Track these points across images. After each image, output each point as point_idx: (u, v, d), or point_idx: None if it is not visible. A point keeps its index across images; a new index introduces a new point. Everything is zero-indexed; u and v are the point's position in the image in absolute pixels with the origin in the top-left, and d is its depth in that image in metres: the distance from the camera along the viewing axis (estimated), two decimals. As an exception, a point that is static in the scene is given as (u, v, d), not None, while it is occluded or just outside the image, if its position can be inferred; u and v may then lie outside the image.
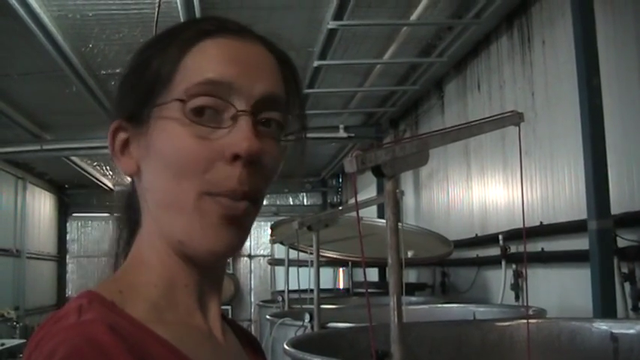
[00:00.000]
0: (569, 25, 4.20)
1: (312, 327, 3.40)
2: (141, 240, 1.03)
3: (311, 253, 4.12)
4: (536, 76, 5.23)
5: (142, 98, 0.98)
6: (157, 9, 4.97)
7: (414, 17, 5.66)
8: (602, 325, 2.97)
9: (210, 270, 1.03)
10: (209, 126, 0.93)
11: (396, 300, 1.52)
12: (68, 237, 14.86)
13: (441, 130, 1.82)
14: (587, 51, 3.98)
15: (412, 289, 6.87)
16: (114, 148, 1.04)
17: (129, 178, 1.08)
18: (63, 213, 14.60)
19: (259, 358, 1.21)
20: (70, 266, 14.78)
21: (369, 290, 6.58)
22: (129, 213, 1.08)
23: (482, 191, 6.36)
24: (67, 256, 14.80)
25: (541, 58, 5.15)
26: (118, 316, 0.88)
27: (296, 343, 2.40)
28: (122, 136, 1.03)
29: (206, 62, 0.96)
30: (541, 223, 4.94)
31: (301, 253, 5.46)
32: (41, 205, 13.22)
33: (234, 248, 0.97)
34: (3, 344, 8.38)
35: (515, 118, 2.07)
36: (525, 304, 4.73)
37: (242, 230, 0.96)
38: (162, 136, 0.96)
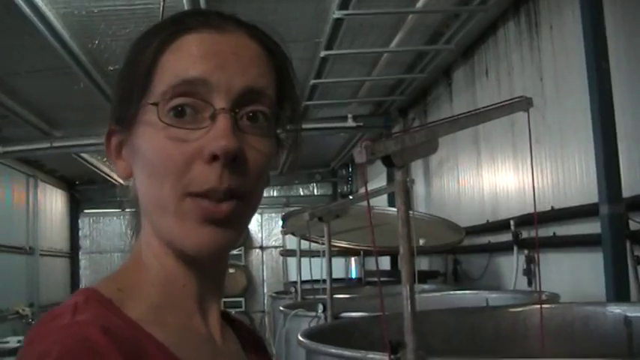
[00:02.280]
0: (577, 9, 4.18)
1: (325, 317, 3.41)
2: (140, 240, 1.03)
3: (322, 244, 4.12)
4: (544, 62, 5.20)
5: (127, 101, 0.97)
6: (162, 3, 4.97)
7: (420, 5, 5.64)
8: (616, 309, 2.96)
9: (209, 270, 1.01)
10: (186, 128, 0.92)
11: (408, 289, 1.52)
12: (80, 233, 14.90)
13: (450, 118, 1.82)
14: (596, 35, 3.96)
15: (424, 277, 6.87)
16: (110, 152, 1.04)
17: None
18: (74, 209, 14.64)
19: (263, 359, 1.20)
20: (83, 262, 14.83)
21: (381, 279, 6.58)
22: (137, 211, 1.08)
23: (492, 177, 6.35)
24: (80, 252, 14.85)
25: (549, 43, 5.12)
26: (114, 315, 0.88)
27: (310, 334, 2.41)
28: (116, 139, 1.02)
29: (181, 61, 0.94)
30: (552, 207, 4.93)
31: (313, 244, 5.47)
32: (53, 202, 13.26)
33: (221, 248, 0.95)
34: (19, 341, 8.43)
35: (524, 104, 2.07)
36: (538, 289, 4.73)
37: (228, 229, 0.94)
38: (144, 139, 0.95)
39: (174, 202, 0.92)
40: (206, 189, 0.91)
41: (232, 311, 13.53)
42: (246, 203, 0.95)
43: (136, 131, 0.96)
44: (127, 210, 1.12)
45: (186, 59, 0.94)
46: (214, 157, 0.90)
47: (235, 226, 0.95)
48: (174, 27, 0.98)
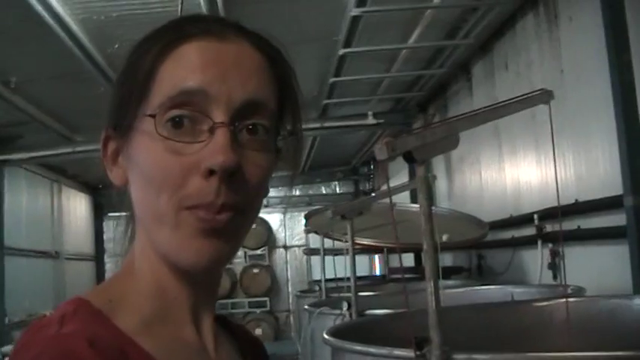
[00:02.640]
0: (597, 0, 4.15)
1: (350, 315, 3.41)
2: (134, 248, 1.01)
3: (346, 242, 4.12)
4: (564, 54, 5.17)
5: (124, 108, 0.96)
6: (179, 7, 4.99)
7: (437, 0, 5.63)
8: (642, 302, 2.94)
9: (203, 282, 1.00)
10: (184, 141, 0.90)
11: (432, 285, 1.52)
12: (105, 237, 14.99)
13: (470, 112, 1.81)
14: (617, 26, 3.94)
15: (448, 272, 6.85)
16: (106, 158, 1.02)
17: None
18: (98, 213, 14.72)
19: None
20: (108, 265, 14.91)
21: (405, 276, 6.58)
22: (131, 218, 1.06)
23: (514, 171, 6.32)
24: (105, 256, 14.95)
25: (569, 35, 5.09)
26: (102, 326, 0.86)
27: (335, 332, 2.41)
28: (112, 145, 1.01)
29: (180, 70, 0.92)
30: (576, 200, 4.90)
31: (336, 242, 5.48)
32: (76, 206, 13.35)
33: (218, 261, 0.94)
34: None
35: (545, 97, 2.05)
36: (563, 283, 4.70)
37: (225, 242, 0.92)
38: (140, 149, 0.93)
39: (170, 214, 0.90)
40: (202, 202, 0.89)
41: (257, 311, 13.55)
42: (244, 216, 0.94)
43: (133, 140, 0.95)
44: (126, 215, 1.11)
45: (185, 69, 0.92)
46: (211, 172, 0.88)
47: (232, 239, 0.94)
48: (174, 34, 0.95)
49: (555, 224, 5.28)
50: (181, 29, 0.96)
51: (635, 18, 4.01)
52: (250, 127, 0.93)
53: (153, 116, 0.90)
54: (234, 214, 0.91)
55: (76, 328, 0.83)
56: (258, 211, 0.99)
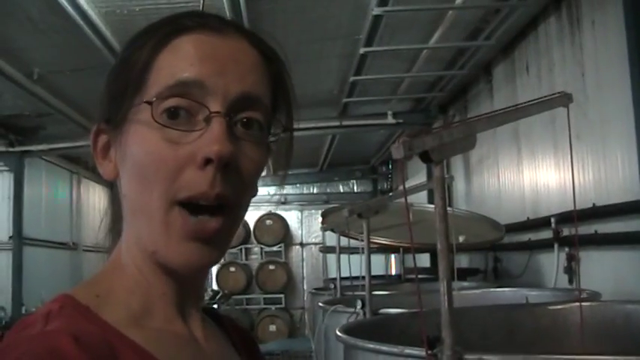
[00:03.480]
0: (620, 4, 4.13)
1: (364, 313, 3.42)
2: (121, 243, 1.00)
3: (362, 240, 4.13)
4: (586, 58, 5.15)
5: (119, 100, 0.95)
6: (202, 1, 5.01)
7: (459, 1, 5.62)
8: (658, 308, 2.93)
9: (189, 281, 0.99)
10: (180, 129, 0.90)
11: (446, 285, 1.52)
12: (123, 229, 15.04)
13: (488, 113, 1.81)
14: (639, 31, 3.92)
15: (464, 274, 6.84)
16: (96, 152, 1.02)
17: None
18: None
19: (254, 356, 1.19)
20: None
21: (420, 276, 6.57)
22: (116, 215, 1.06)
23: (533, 174, 6.30)
24: (122, 248, 14.99)
25: (591, 39, 5.07)
26: (89, 322, 0.86)
27: (348, 330, 2.42)
28: (103, 139, 1.00)
29: (178, 61, 0.92)
30: (594, 204, 4.88)
31: (352, 240, 5.48)
32: (95, 198, 13.43)
33: (204, 265, 0.94)
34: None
35: (564, 100, 2.05)
36: (578, 286, 4.69)
37: (214, 246, 0.93)
38: (134, 140, 0.93)
39: (161, 210, 0.90)
40: (196, 193, 0.89)
41: (272, 307, 13.58)
42: (233, 219, 0.94)
43: (127, 131, 0.95)
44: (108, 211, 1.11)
45: (183, 60, 0.92)
46: (207, 162, 0.88)
47: (221, 244, 0.94)
48: (171, 26, 0.96)
49: (572, 228, 5.26)
50: (178, 22, 0.97)
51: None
52: (245, 120, 0.94)
53: (150, 103, 0.91)
54: (223, 220, 0.91)
55: (60, 325, 0.83)
56: (246, 211, 0.99)
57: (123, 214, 1.00)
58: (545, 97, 1.99)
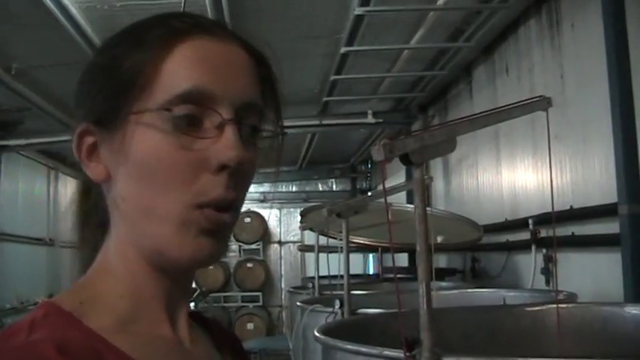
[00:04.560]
0: (599, 8, 4.16)
1: (342, 313, 3.42)
2: (109, 248, 0.99)
3: (340, 240, 4.13)
4: (565, 60, 5.18)
5: (114, 102, 0.94)
6: (184, -1, 4.99)
7: (441, 2, 5.64)
8: (634, 310, 2.95)
9: (181, 279, 1.00)
10: (193, 136, 0.90)
11: (424, 287, 1.53)
12: (100, 226, 14.95)
13: (469, 116, 1.82)
14: (617, 34, 3.95)
15: (442, 274, 6.86)
16: (80, 153, 0.99)
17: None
18: (94, 202, 14.67)
19: (239, 358, 1.18)
20: (103, 254, 14.90)
21: (399, 275, 6.59)
22: (96, 218, 1.05)
23: (512, 175, 6.33)
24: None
25: (571, 41, 5.10)
26: (74, 329, 0.85)
27: (327, 330, 2.42)
28: (89, 140, 0.98)
29: (188, 69, 0.92)
30: (571, 207, 4.91)
31: (331, 239, 5.48)
32: (73, 194, 13.32)
33: (215, 258, 0.95)
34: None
35: (544, 103, 2.06)
36: (555, 288, 4.72)
37: (222, 240, 0.95)
38: (144, 144, 0.92)
39: (179, 211, 0.90)
40: (213, 198, 0.91)
41: (250, 305, 13.54)
42: (236, 215, 0.96)
43: (128, 134, 0.93)
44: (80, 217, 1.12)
45: (193, 68, 0.92)
46: (223, 167, 0.90)
47: (226, 237, 0.97)
48: (166, 29, 0.95)
49: (550, 230, 5.30)
50: (171, 25, 0.96)
51: (635, 28, 4.02)
52: (249, 126, 0.96)
53: (160, 110, 0.91)
54: (232, 215, 0.94)
55: (44, 335, 0.82)
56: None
57: (113, 215, 0.99)
58: (524, 100, 2.00)
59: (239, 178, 0.93)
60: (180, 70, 0.92)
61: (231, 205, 0.93)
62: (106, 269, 0.98)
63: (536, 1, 5.69)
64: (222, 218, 0.92)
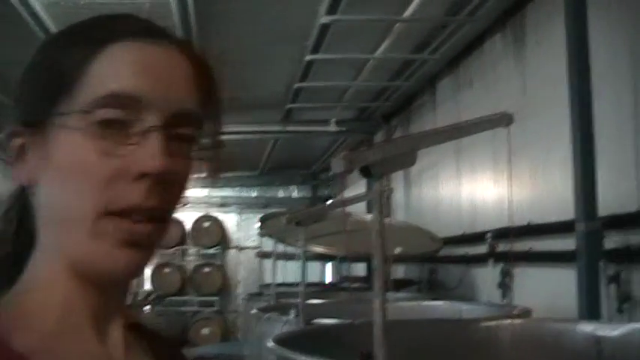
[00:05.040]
0: (563, 25, 4.20)
1: (297, 323, 3.40)
2: (35, 259, 0.94)
3: (299, 247, 4.12)
4: (529, 76, 5.23)
5: (41, 103, 0.90)
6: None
7: (408, 13, 5.65)
8: (587, 327, 2.98)
9: (110, 292, 0.94)
10: (117, 141, 0.86)
11: (380, 302, 1.52)
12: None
13: (431, 130, 1.82)
14: (579, 54, 4.00)
15: (399, 285, 6.88)
16: (9, 155, 0.94)
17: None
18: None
19: None
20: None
21: (356, 285, 6.60)
22: (19, 227, 0.99)
23: (471, 189, 6.37)
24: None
25: (534, 58, 5.15)
26: None
27: (280, 340, 2.40)
28: (18, 141, 0.93)
29: (116, 71, 0.88)
30: (529, 222, 4.95)
31: (289, 246, 5.47)
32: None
33: (134, 271, 0.90)
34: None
35: (505, 120, 2.07)
36: (511, 304, 4.75)
37: (143, 252, 0.89)
38: (63, 148, 0.88)
39: (91, 219, 0.86)
40: (128, 206, 0.86)
41: (206, 310, 13.45)
42: (165, 225, 0.92)
43: (52, 137, 0.89)
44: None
45: (120, 70, 0.88)
46: (143, 176, 0.86)
47: (151, 249, 0.91)
48: (104, 31, 0.92)
49: (507, 244, 5.33)
50: (111, 26, 0.92)
51: (598, 46, 4.07)
52: (179, 135, 0.91)
53: (83, 113, 0.86)
54: (155, 225, 0.88)
55: None
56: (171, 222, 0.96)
57: (38, 224, 0.94)
58: (487, 116, 2.00)
59: (166, 187, 0.88)
60: (106, 72, 0.88)
61: (153, 214, 0.88)
62: (31, 282, 0.92)
63: (501, 17, 5.73)
64: (135, 228, 0.86)
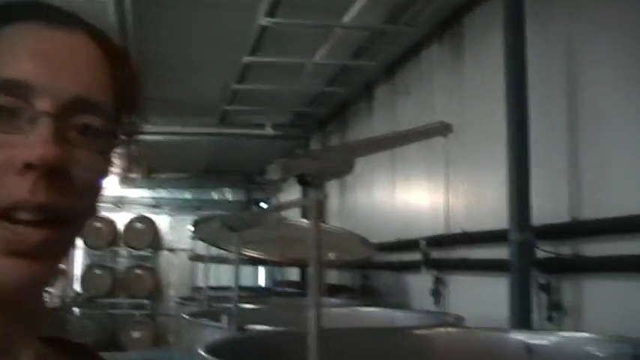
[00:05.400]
0: (501, 36, 4.24)
1: (230, 329, 3.35)
2: None
3: (232, 252, 4.06)
4: (465, 86, 5.26)
5: None
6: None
7: (347, 19, 5.64)
8: (518, 336, 3.01)
9: (16, 309, 0.83)
10: (2, 131, 0.77)
11: (315, 313, 1.49)
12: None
13: (369, 138, 1.80)
14: (516, 66, 4.04)
15: (333, 290, 6.87)
16: None
17: None
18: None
19: None
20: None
21: (290, 290, 6.57)
22: None
23: (406, 196, 6.39)
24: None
25: (471, 67, 5.19)
26: None
27: (211, 348, 2.35)
28: None
29: (4, 55, 0.80)
30: (463, 230, 4.98)
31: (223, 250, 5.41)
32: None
33: (28, 284, 0.79)
34: None
35: (443, 129, 2.07)
36: (444, 311, 4.78)
37: (39, 261, 0.78)
38: None
39: None
40: (12, 202, 0.76)
41: (137, 313, 13.26)
42: (65, 231, 0.82)
43: None
44: None
45: (10, 53, 0.80)
46: (29, 167, 0.76)
47: (50, 258, 0.81)
48: (5, 9, 0.84)
49: (441, 252, 5.36)
50: (10, 8, 0.85)
51: (535, 58, 4.12)
52: (81, 125, 0.82)
53: None
54: (52, 230, 0.79)
55: None
56: (88, 219, 0.87)
57: None
58: (426, 125, 1.99)
59: (62, 181, 0.79)
60: None
61: (46, 214, 0.78)
62: None
63: (440, 26, 5.76)
64: (25, 234, 0.77)
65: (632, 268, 3.48)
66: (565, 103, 4.06)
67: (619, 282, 3.61)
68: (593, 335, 2.87)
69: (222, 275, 6.12)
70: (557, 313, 3.98)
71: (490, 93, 4.74)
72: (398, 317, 4.40)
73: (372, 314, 4.68)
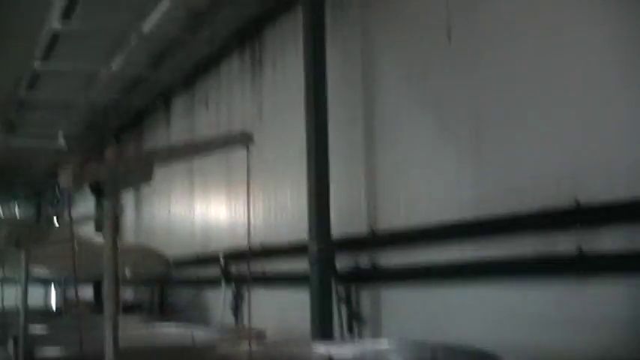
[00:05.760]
0: (300, 50, 4.26)
1: (16, 355, 3.10)
2: None
3: (19, 270, 3.78)
4: (265, 98, 5.25)
5: None
6: None
7: (145, 27, 5.46)
8: (320, 348, 3.00)
9: None
10: None
11: (110, 331, 1.37)
12: None
13: (167, 146, 1.70)
14: (316, 82, 4.08)
15: (130, 308, 6.66)
16: None
17: None
18: None
19: None
20: None
21: (83, 309, 6.27)
22: None
23: (205, 210, 6.30)
24: None
25: (271, 80, 5.19)
26: None
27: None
28: None
29: None
30: (261, 244, 4.94)
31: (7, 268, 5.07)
32: None
33: None
34: None
35: (244, 139, 2.00)
36: (244, 326, 4.72)
37: None
38: None
39: None
40: None
41: None
42: None
43: None
44: None
45: None
46: None
47: None
48: None
49: (240, 266, 5.31)
50: None
51: (334, 72, 4.17)
52: None
53: None
54: None
55: None
56: None
57: None
58: (226, 134, 1.92)
59: None
60: None
61: None
62: None
63: (239, 38, 5.72)
64: None
65: (423, 275, 3.59)
66: (362, 114, 4.14)
67: (414, 289, 3.70)
68: (393, 343, 2.91)
69: (8, 297, 5.72)
70: (357, 323, 4.03)
71: (290, 105, 4.74)
72: (198, 334, 4.28)
73: (172, 331, 4.53)
